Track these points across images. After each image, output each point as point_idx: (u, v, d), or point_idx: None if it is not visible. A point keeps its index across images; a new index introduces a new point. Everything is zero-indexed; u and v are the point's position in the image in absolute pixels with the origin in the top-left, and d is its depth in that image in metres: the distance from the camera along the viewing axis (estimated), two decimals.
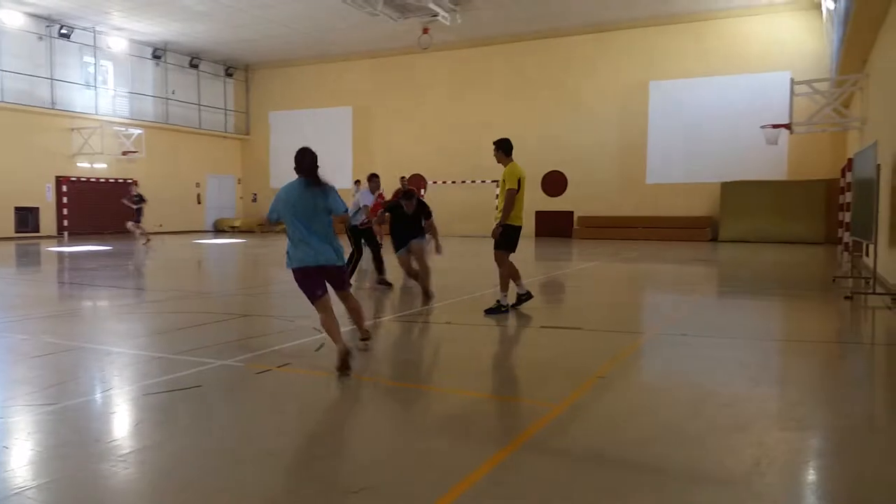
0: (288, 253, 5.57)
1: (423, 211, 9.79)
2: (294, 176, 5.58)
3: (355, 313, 6.15)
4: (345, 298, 5.97)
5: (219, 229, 32.08)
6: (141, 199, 21.55)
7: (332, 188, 5.61)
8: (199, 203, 31.90)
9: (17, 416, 4.33)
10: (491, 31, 27.07)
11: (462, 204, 28.20)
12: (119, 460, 3.59)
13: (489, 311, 8.16)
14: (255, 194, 33.53)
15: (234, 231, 31.34)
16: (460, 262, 15.89)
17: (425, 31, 24.89)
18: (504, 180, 8.01)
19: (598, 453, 3.67)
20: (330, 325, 5.49)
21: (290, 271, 5.59)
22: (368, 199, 11.12)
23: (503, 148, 8.03)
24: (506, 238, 8.10)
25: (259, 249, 21.20)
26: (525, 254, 19.57)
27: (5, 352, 6.43)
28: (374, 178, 11.54)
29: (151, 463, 3.57)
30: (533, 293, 8.68)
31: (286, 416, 4.42)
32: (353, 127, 30.94)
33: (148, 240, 21.99)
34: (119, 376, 5.44)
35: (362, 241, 10.98)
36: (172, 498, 3.13)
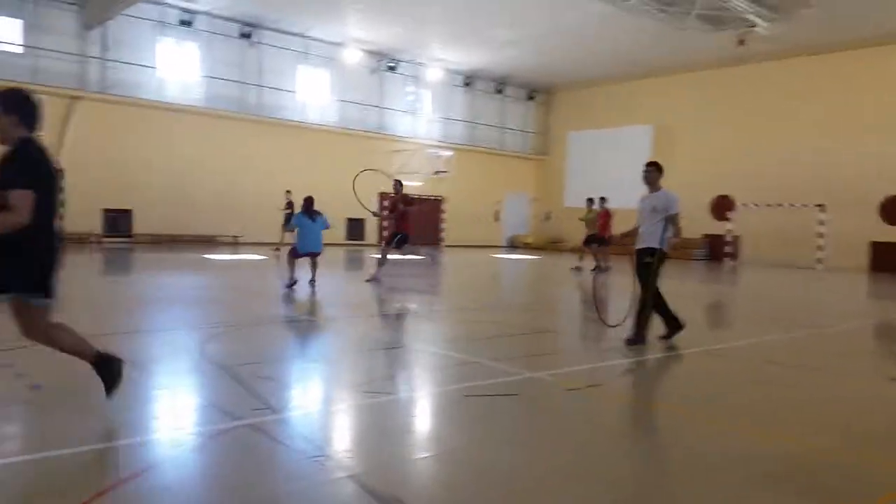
0: None
1: None
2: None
3: None
4: None
5: (513, 245, 33.35)
6: (290, 207, 20.83)
7: None
8: (497, 220, 33.50)
9: (346, 404, 4.75)
10: (815, 40, 24.22)
11: (775, 228, 25.58)
12: (432, 454, 3.70)
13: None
14: (549, 212, 34.22)
15: (527, 248, 32.32)
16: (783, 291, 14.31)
17: (741, 42, 23.09)
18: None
19: None
20: None
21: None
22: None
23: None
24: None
25: (550, 267, 21.48)
26: (856, 290, 17.05)
27: (346, 345, 7.21)
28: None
29: (465, 462, 3.61)
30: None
31: (590, 437, 4.22)
32: (653, 145, 29.97)
33: (277, 248, 20.84)
34: (444, 376, 5.74)
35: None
36: (465, 494, 3.10)
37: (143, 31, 23.04)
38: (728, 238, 26.32)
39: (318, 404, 4.83)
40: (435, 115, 31.30)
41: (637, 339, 7.01)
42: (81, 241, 21.62)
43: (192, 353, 6.26)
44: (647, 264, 7.06)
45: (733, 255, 26.23)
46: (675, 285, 15.48)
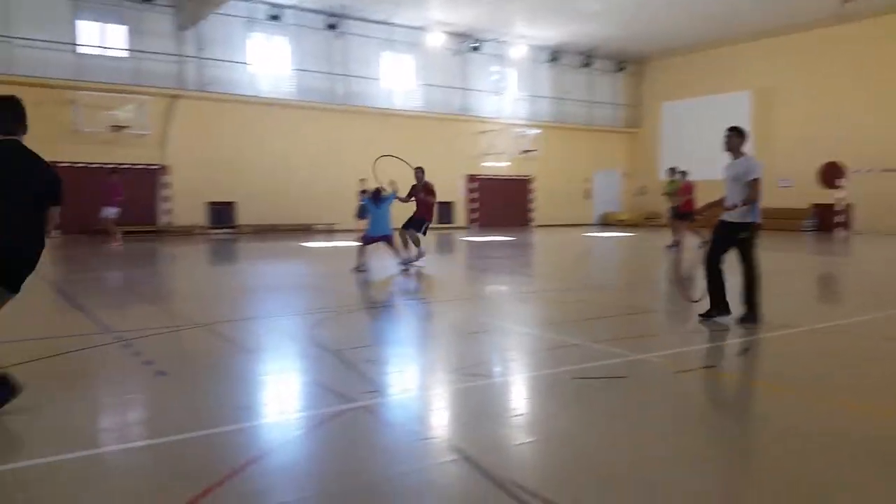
0: None
1: None
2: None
3: None
4: None
5: (605, 223, 32.65)
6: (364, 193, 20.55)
7: None
8: (588, 198, 32.86)
9: (451, 387, 4.77)
10: None
11: (891, 195, 23.87)
12: (542, 437, 3.65)
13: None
14: (644, 187, 33.26)
15: (620, 225, 31.56)
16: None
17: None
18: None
19: None
20: None
21: None
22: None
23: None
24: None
25: (646, 244, 20.89)
26: None
27: (445, 328, 7.27)
28: None
29: (579, 446, 3.55)
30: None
31: (702, 420, 4.05)
32: (752, 112, 28.50)
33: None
34: (545, 358, 5.68)
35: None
36: (577, 479, 3.03)
37: (234, 28, 23.84)
38: (838, 207, 24.78)
39: (425, 387, 4.88)
40: (520, 94, 30.92)
41: (749, 317, 6.71)
42: (188, 233, 22.77)
43: (300, 338, 6.47)
44: (743, 240, 6.72)
45: (845, 225, 24.68)
46: (782, 258, 14.74)
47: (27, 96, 17.66)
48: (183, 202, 23.00)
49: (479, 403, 4.42)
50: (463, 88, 29.02)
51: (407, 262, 11.91)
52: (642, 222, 31.38)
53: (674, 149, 29.80)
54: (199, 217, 23.51)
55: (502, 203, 30.01)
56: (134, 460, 3.45)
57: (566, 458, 3.47)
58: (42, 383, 4.80)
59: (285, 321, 7.60)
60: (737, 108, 28.41)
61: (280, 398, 4.63)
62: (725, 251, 6.81)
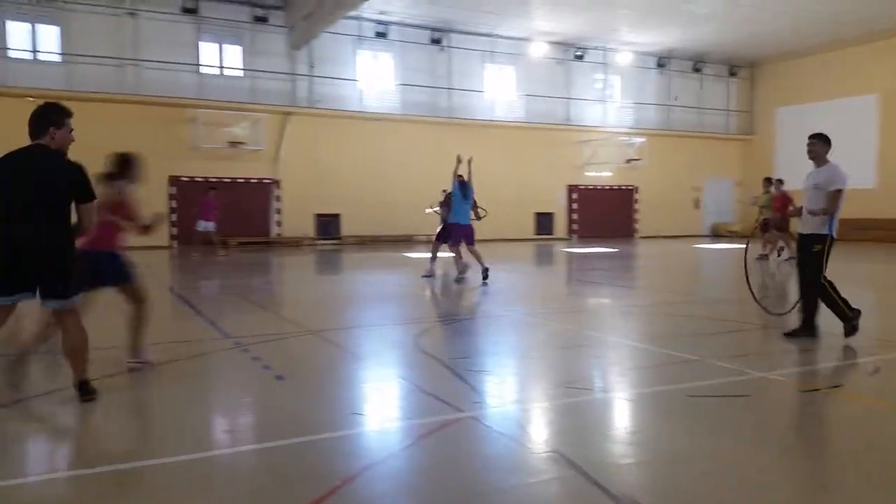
0: None
1: None
2: None
3: None
4: None
5: (716, 234, 31.31)
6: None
7: None
8: (697, 207, 31.65)
9: (560, 400, 4.67)
10: None
11: None
12: (661, 455, 3.50)
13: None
14: (757, 197, 31.65)
15: (732, 236, 30.17)
16: None
17: None
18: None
19: None
20: None
21: None
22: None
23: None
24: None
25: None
26: None
27: (550, 339, 7.17)
28: None
29: (691, 465, 3.38)
30: None
31: (832, 443, 3.76)
32: (880, 116, 26.60)
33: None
34: (657, 374, 5.49)
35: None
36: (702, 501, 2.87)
37: (343, 46, 24.68)
38: None
39: (533, 399, 4.82)
40: (625, 102, 30.25)
41: (799, 331, 6.48)
42: (297, 244, 23.69)
43: (406, 346, 6.56)
44: (815, 254, 6.33)
45: None
46: None
47: (153, 115, 19.06)
48: (292, 214, 23.95)
49: (590, 419, 4.32)
50: (565, 98, 28.72)
51: (463, 274, 11.65)
52: (755, 233, 29.83)
53: (789, 156, 28.22)
54: (307, 228, 24.41)
55: (604, 213, 29.37)
56: (257, 461, 3.60)
57: (688, 479, 3.32)
58: (170, 385, 5.10)
59: (391, 330, 7.73)
60: (862, 113, 26.66)
61: (391, 406, 4.70)
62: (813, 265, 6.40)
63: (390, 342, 6.94)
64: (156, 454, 3.62)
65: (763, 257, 15.84)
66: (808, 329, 6.47)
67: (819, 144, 6.52)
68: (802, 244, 6.49)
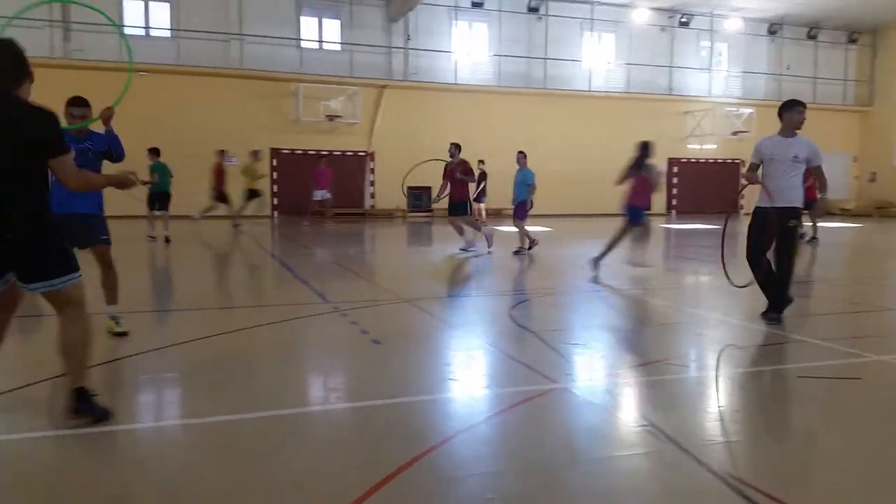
0: None
1: None
2: None
3: None
4: None
5: (828, 213, 29.47)
6: (484, 177, 19.63)
7: None
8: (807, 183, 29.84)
9: (659, 376, 4.54)
10: None
11: None
12: (759, 434, 3.35)
13: None
14: (874, 174, 29.58)
15: (845, 214, 28.34)
16: None
17: None
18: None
19: None
20: None
21: None
22: None
23: None
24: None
25: (877, 236, 18.55)
26: None
27: (647, 315, 6.99)
28: None
29: (799, 445, 3.22)
30: None
31: None
32: None
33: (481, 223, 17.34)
34: (763, 353, 5.26)
35: None
36: (813, 480, 2.72)
37: (440, 17, 24.63)
38: None
39: (628, 373, 4.72)
40: (733, 70, 28.75)
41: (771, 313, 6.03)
42: (390, 216, 24.08)
43: (499, 317, 6.56)
44: (792, 229, 5.95)
45: None
46: None
47: (256, 89, 19.68)
48: (386, 186, 24.32)
49: (689, 396, 4.19)
50: (668, 66, 27.60)
51: (468, 248, 11.88)
52: (872, 212, 27.91)
53: None
54: (400, 201, 24.74)
55: (707, 188, 28.14)
56: (354, 418, 3.73)
57: (794, 462, 3.18)
58: (277, 347, 5.33)
59: (483, 301, 7.76)
60: None
61: (484, 373, 4.73)
62: None
63: (483, 312, 6.97)
64: (261, 407, 3.80)
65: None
66: (786, 303, 6.06)
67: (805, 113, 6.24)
68: (781, 219, 5.91)
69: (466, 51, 25.20)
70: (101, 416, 3.43)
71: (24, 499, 2.76)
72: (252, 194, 17.21)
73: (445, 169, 12.16)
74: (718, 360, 5.10)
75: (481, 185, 19.40)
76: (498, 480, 2.92)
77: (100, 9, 9.24)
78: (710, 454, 3.14)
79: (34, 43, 18.05)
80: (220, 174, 16.22)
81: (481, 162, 20.34)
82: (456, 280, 9.65)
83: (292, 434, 3.46)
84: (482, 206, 19.88)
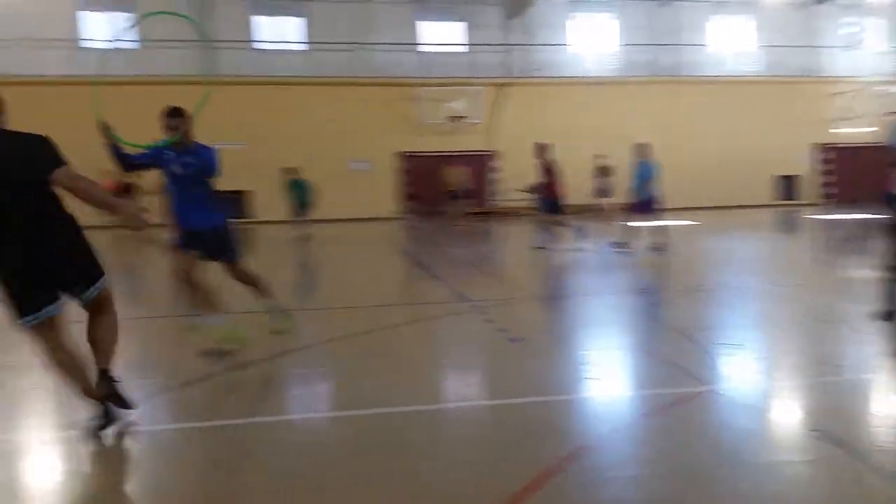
0: None
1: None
2: None
3: None
4: None
5: None
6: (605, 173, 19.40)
7: None
8: None
9: (816, 378, 4.22)
10: None
11: None
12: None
13: None
14: None
15: None
16: None
17: None
18: None
19: None
20: None
21: None
22: None
23: None
24: None
25: None
26: None
27: (801, 314, 6.53)
28: None
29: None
30: None
31: None
32: None
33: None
34: None
35: None
36: None
37: (558, 11, 24.31)
38: None
39: (785, 375, 4.42)
40: (884, 46, 26.32)
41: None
42: (515, 214, 24.02)
43: (640, 315, 6.36)
44: None
45: None
46: None
47: (380, 95, 20.29)
48: (509, 185, 24.26)
49: (855, 400, 3.88)
50: (809, 46, 25.72)
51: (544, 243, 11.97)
52: None
53: None
54: (525, 198, 24.60)
55: (865, 175, 25.83)
56: (494, 416, 3.74)
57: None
58: (417, 344, 5.45)
59: (620, 298, 7.52)
60: None
61: (629, 373, 4.60)
62: None
63: (622, 310, 6.78)
64: (401, 402, 3.89)
65: None
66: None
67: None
68: None
69: (588, 43, 24.71)
70: (120, 397, 3.49)
71: (196, 478, 2.98)
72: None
73: (547, 168, 12.30)
74: (888, 362, 4.66)
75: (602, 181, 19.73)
76: (649, 483, 2.83)
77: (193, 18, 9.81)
78: (887, 461, 2.88)
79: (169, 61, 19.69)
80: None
81: (600, 156, 20.13)
82: (588, 278, 9.44)
83: (433, 427, 3.53)
84: (604, 202, 19.72)
